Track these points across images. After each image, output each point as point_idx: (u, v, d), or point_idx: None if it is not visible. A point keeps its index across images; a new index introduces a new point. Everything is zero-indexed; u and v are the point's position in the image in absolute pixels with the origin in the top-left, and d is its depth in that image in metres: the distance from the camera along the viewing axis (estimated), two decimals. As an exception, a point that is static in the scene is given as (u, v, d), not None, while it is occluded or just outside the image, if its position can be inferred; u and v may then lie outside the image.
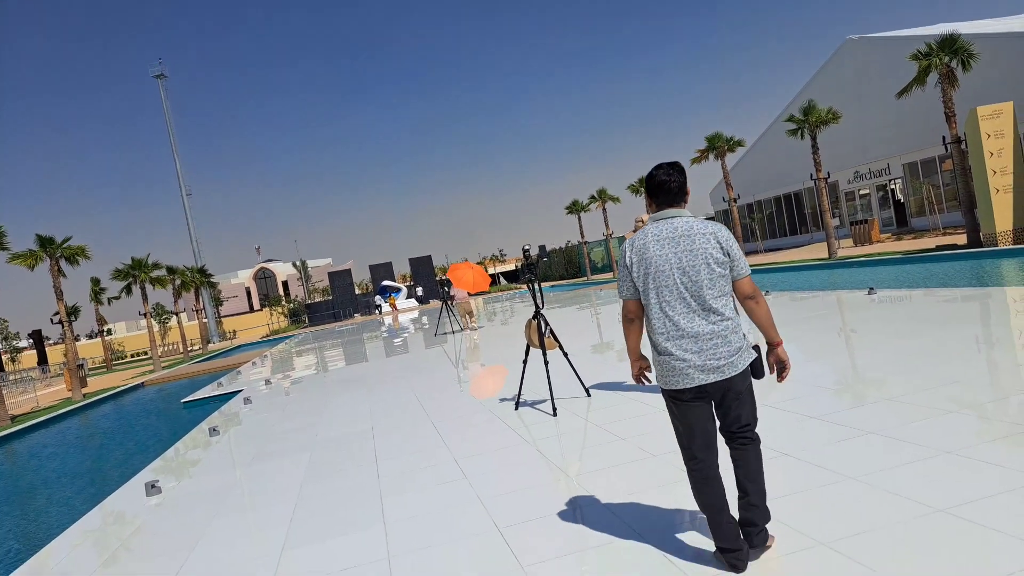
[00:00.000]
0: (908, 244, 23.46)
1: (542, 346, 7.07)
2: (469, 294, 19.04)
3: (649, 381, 3.54)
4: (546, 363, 6.95)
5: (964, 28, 19.84)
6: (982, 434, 4.28)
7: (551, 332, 7.24)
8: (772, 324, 3.12)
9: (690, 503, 4.01)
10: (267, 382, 15.18)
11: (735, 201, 28.95)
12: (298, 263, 79.17)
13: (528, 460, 5.44)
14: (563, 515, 4.16)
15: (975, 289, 11.73)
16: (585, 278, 45.01)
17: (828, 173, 24.55)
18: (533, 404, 7.39)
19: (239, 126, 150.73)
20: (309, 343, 29.03)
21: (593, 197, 40.30)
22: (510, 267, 74.07)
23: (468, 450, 6.08)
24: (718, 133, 28.60)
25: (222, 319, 64.57)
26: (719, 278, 3.03)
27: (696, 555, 3.34)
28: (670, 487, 4.31)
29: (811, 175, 24.52)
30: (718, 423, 3.19)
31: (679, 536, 3.57)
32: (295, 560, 4.24)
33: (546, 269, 57.85)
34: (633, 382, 5.44)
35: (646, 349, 3.30)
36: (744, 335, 3.07)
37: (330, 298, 54.34)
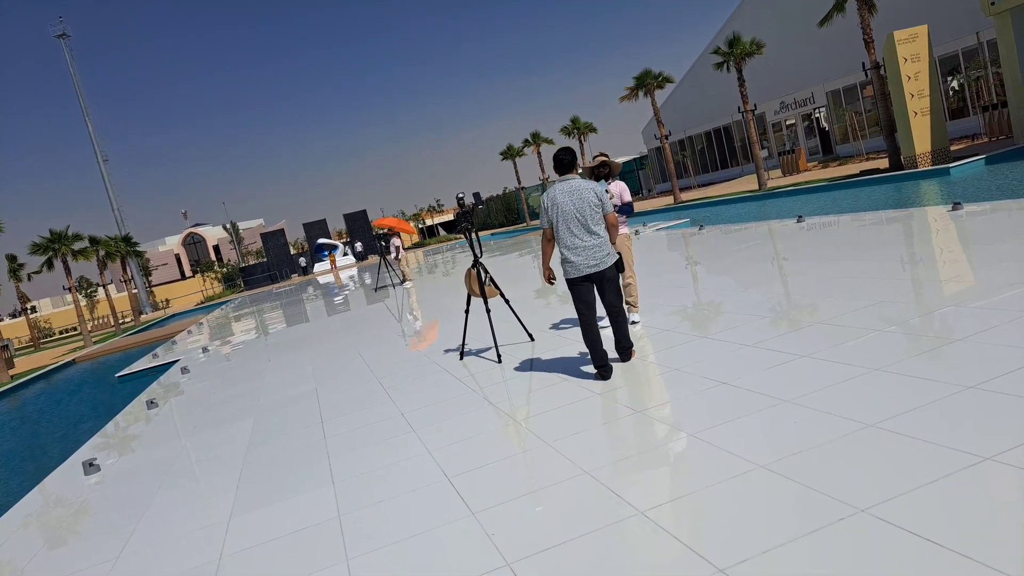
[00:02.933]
0: (834, 171, 24.18)
1: (483, 295, 7.02)
2: (398, 250, 18.81)
3: (555, 282, 5.63)
4: (488, 311, 6.91)
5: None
6: (909, 350, 4.48)
7: (491, 280, 7.18)
8: (618, 239, 5.50)
9: (634, 436, 4.10)
10: (205, 350, 14.76)
11: (667, 138, 29.15)
12: (228, 226, 76.49)
13: (476, 408, 5.45)
14: (512, 460, 4.19)
15: (898, 211, 12.21)
16: (524, 224, 45.03)
17: (755, 105, 24.91)
18: (478, 353, 7.38)
19: (154, 86, 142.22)
20: (246, 307, 28.29)
21: (527, 141, 40.01)
22: (447, 217, 73.27)
23: (415, 403, 6.05)
24: (647, 70, 28.51)
25: (153, 289, 62.09)
26: (596, 213, 5.17)
27: (642, 488, 3.41)
28: (613, 424, 4.39)
29: (739, 107, 24.81)
30: (599, 300, 5.32)
31: (622, 467, 3.64)
32: (244, 526, 4.16)
33: (484, 217, 57.46)
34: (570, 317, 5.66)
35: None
36: (611, 246, 5.25)
37: (265, 260, 52.87)
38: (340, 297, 22.48)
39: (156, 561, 4.02)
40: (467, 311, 7.36)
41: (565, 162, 5.33)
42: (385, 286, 19.69)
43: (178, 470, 5.90)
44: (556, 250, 5.38)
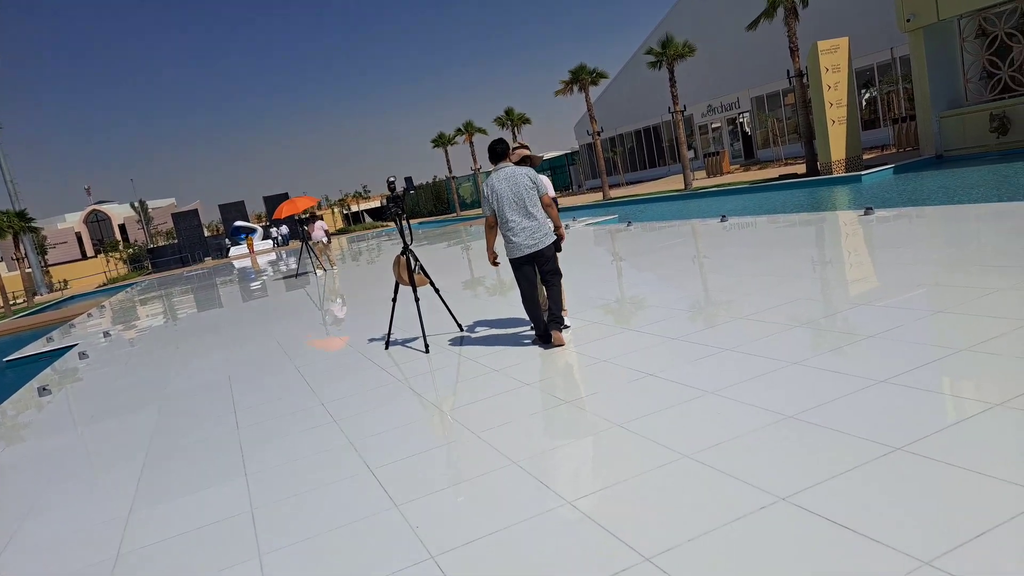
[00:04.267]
0: (755, 174, 25.06)
1: (412, 283, 6.86)
2: (326, 234, 18.31)
3: (499, 264, 6.04)
4: (416, 300, 6.76)
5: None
6: (823, 346, 4.62)
7: (421, 268, 7.03)
8: (559, 220, 5.80)
9: (562, 426, 4.07)
10: (106, 334, 13.91)
11: (599, 134, 29.51)
12: (136, 204, 72.55)
13: (401, 399, 5.30)
14: (438, 451, 4.08)
15: (814, 214, 12.72)
16: (454, 214, 44.73)
17: (684, 106, 25.49)
18: (405, 342, 7.21)
19: (57, 49, 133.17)
20: (154, 290, 26.94)
21: (460, 130, 39.66)
22: (375, 204, 71.93)
23: (336, 393, 5.84)
24: (582, 65, 28.73)
25: (49, 268, 58.20)
26: (532, 195, 5.61)
27: (569, 478, 3.37)
28: (542, 414, 4.34)
29: (669, 108, 25.35)
30: (538, 276, 5.78)
31: (550, 457, 3.60)
32: (145, 521, 3.89)
33: (413, 205, 56.76)
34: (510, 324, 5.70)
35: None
36: (549, 228, 5.69)
37: (176, 241, 50.46)
38: (258, 283, 21.68)
39: (42, 560, 3.71)
40: (394, 299, 7.18)
41: (499, 151, 5.77)
42: (307, 272, 19.10)
43: (72, 462, 5.50)
44: (499, 236, 5.85)
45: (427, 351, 6.58)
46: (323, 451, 4.44)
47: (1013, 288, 5.00)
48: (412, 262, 6.91)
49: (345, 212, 71.53)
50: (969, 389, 3.55)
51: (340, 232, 60.36)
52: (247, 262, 36.59)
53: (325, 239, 18.34)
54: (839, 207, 13.99)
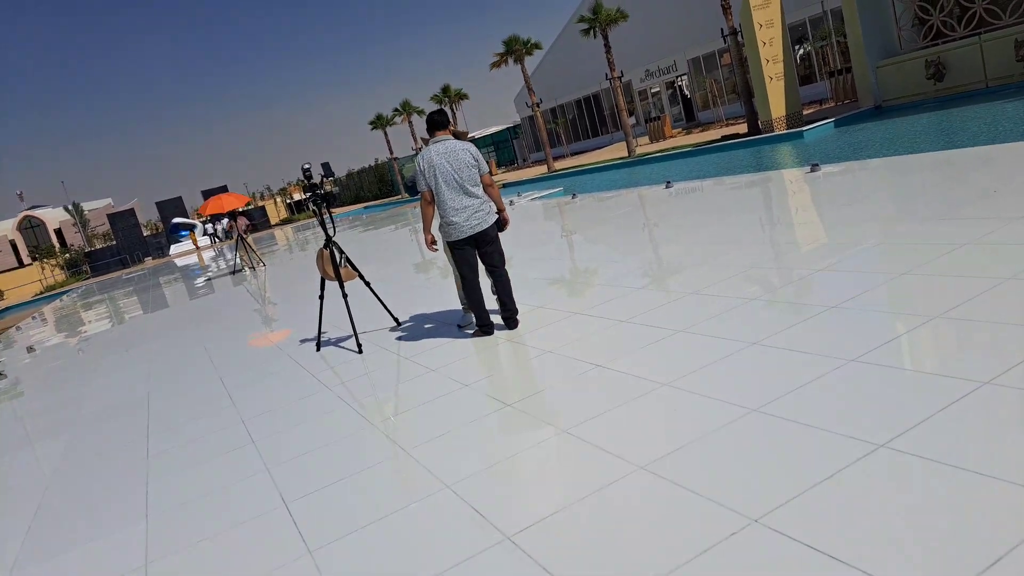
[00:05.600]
0: (697, 137, 24.89)
1: (338, 277, 6.28)
2: (247, 226, 17.45)
3: (436, 248, 5.37)
4: (344, 296, 6.19)
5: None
6: (784, 321, 4.26)
7: (347, 260, 6.45)
8: (500, 200, 5.31)
9: (501, 437, 3.62)
10: (30, 349, 12.92)
11: (538, 106, 28.90)
12: (71, 207, 69.26)
13: (329, 409, 4.77)
14: (366, 475, 3.58)
15: (760, 174, 12.49)
16: (400, 196, 43.71)
17: (622, 72, 25.06)
18: (338, 342, 6.65)
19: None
20: (92, 296, 25.53)
21: (397, 110, 38.59)
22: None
23: (259, 406, 5.27)
24: (515, 36, 27.97)
25: (-17, 280, 55.19)
26: (472, 172, 5.12)
27: (509, 505, 2.92)
28: (480, 422, 3.87)
29: (607, 75, 24.91)
30: (481, 264, 5.34)
31: (487, 478, 3.14)
32: (23, 591, 3.31)
33: (357, 189, 55.34)
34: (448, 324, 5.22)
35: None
36: (490, 207, 5.21)
37: (114, 243, 48.31)
38: (194, 282, 20.64)
39: None
40: (322, 296, 6.59)
41: (439, 121, 5.26)
42: (241, 269, 18.18)
43: (-40, 511, 4.82)
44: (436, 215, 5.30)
45: (360, 351, 6.04)
46: (237, 482, 3.89)
47: (976, 242, 4.71)
48: (337, 255, 6.33)
49: (288, 201, 69.51)
50: (954, 364, 3.21)
51: (285, 222, 58.62)
52: (188, 260, 35.12)
53: (247, 233, 17.55)
54: (784, 165, 13.81)
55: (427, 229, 5.31)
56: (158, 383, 7.07)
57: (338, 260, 6.35)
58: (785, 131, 17.78)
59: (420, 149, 33.73)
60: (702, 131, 27.06)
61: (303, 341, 7.11)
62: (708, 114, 30.14)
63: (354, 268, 6.52)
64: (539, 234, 11.73)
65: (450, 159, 5.07)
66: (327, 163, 6.53)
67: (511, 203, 17.97)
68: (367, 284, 6.63)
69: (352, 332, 6.19)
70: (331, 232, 6.22)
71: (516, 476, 3.18)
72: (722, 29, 20.11)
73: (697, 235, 7.70)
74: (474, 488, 3.10)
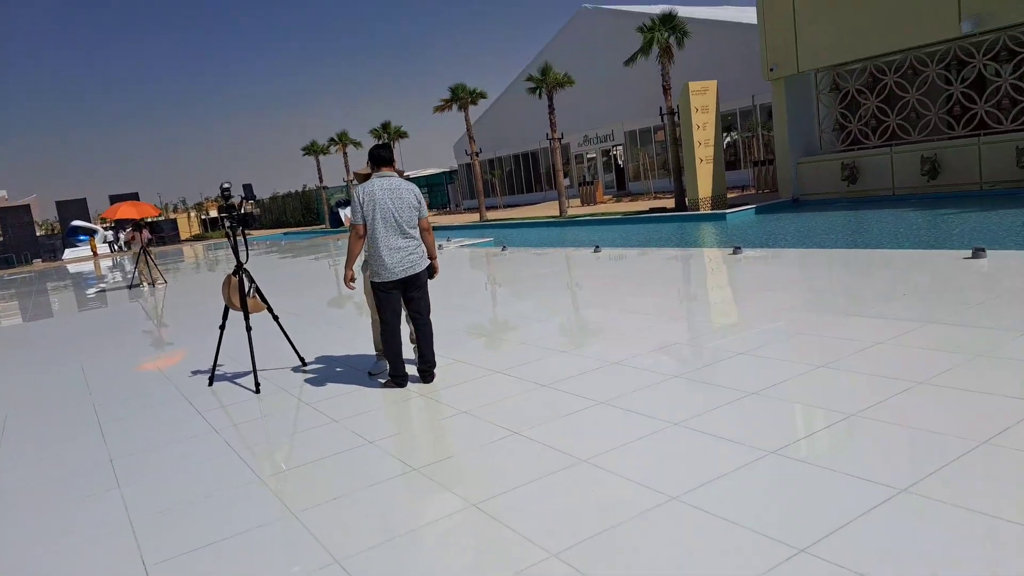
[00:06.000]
0: (627, 206, 25.57)
1: (244, 308, 5.83)
2: (149, 239, 16.52)
3: (354, 287, 5.15)
4: (248, 329, 5.73)
5: (681, 11, 21.72)
6: (705, 401, 4.15)
7: (256, 290, 6.01)
8: (434, 247, 5.15)
9: (404, 506, 3.29)
10: None
11: (476, 155, 29.10)
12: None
13: (212, 456, 4.29)
14: (242, 541, 3.15)
15: (683, 250, 12.78)
16: (324, 226, 42.76)
17: (562, 135, 25.63)
18: (234, 378, 6.14)
19: None
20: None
21: (333, 140, 38.06)
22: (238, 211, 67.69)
23: (134, 445, 4.72)
24: (461, 84, 28.26)
25: None
26: (412, 215, 4.93)
27: (404, 589, 2.59)
28: (381, 487, 3.53)
29: (547, 135, 25.42)
30: (404, 311, 5.15)
31: (381, 555, 2.80)
32: None
33: (280, 213, 53.87)
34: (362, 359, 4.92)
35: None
36: (423, 251, 5.01)
37: (1, 239, 44.87)
38: (84, 292, 19.20)
39: None
40: (222, 327, 6.09)
41: (384, 158, 5.03)
42: (139, 284, 17.04)
43: None
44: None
45: (257, 391, 5.57)
46: (89, 540, 3.38)
47: (889, 341, 4.80)
48: (247, 284, 5.89)
49: (203, 217, 66.86)
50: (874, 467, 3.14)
51: (196, 238, 56.21)
52: (83, 267, 32.88)
53: (146, 245, 16.57)
54: (708, 244, 14.22)
55: (351, 264, 5.02)
56: (18, 409, 6.28)
57: (247, 289, 5.91)
58: (710, 211, 18.45)
59: (352, 182, 33.07)
60: (632, 200, 27.84)
61: (195, 372, 6.54)
62: (638, 185, 31.11)
63: (263, 299, 6.08)
64: (465, 282, 11.51)
65: (393, 197, 4.85)
66: (249, 185, 6.15)
67: (440, 247, 17.75)
68: (275, 318, 6.19)
69: (252, 369, 5.71)
70: (243, 258, 5.80)
71: (417, 553, 2.86)
72: (661, 108, 20.91)
73: (624, 303, 7.67)
74: (368, 566, 2.75)
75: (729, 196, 20.64)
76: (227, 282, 5.93)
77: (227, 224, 5.81)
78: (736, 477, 3.10)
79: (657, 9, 22.21)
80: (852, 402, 3.79)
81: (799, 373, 4.44)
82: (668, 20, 19.69)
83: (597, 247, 12.47)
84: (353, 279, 5.06)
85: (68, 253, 43.02)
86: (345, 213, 44.16)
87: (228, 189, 5.78)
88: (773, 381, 4.30)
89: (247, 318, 5.80)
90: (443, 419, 4.50)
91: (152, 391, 6.18)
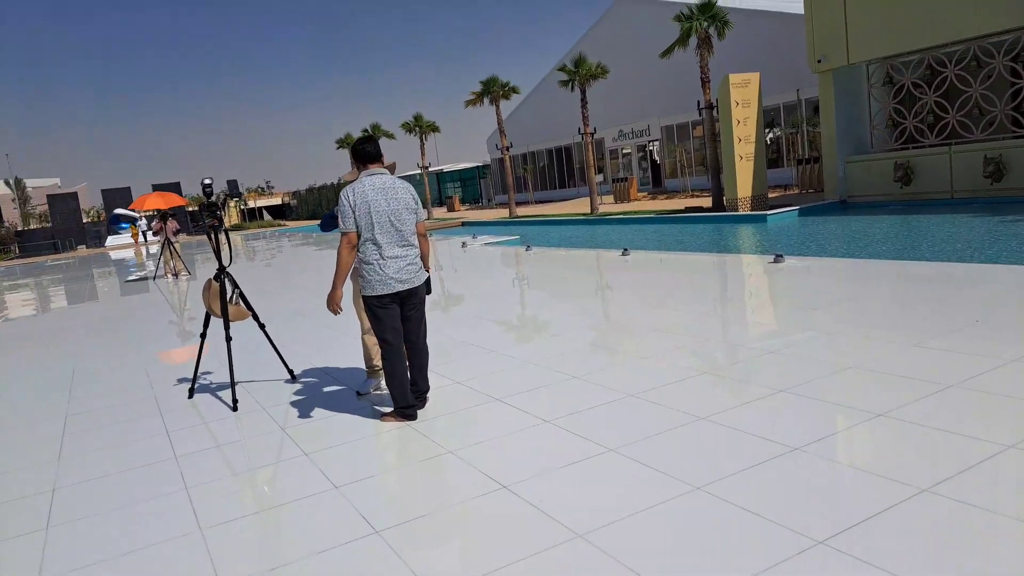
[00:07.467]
0: (661, 204, 24.65)
1: (224, 316, 5.30)
2: (176, 230, 16.25)
3: (341, 311, 4.38)
4: (228, 339, 5.19)
5: (720, 0, 20.73)
6: (735, 397, 3.45)
7: (240, 296, 5.48)
8: (429, 256, 4.53)
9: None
10: None
11: (508, 149, 28.45)
12: (11, 180, 66.05)
13: (172, 491, 3.74)
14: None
15: (720, 256, 11.97)
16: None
17: (595, 129, 24.81)
18: (215, 390, 5.63)
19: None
20: (1, 279, 23.59)
21: (366, 131, 37.77)
22: (276, 201, 68.65)
23: (90, 468, 4.21)
24: (494, 77, 27.60)
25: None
26: (410, 218, 4.30)
27: None
28: (341, 550, 2.92)
29: (579, 129, 24.64)
30: (403, 333, 4.38)
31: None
32: None
33: (316, 205, 53.99)
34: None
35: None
36: (421, 264, 4.38)
37: (50, 225, 45.89)
38: (111, 282, 19.12)
39: None
40: (203, 335, 5.58)
41: (371, 153, 4.35)
42: (164, 276, 16.79)
43: None
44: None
45: (235, 409, 5.03)
46: (-11, 599, 2.85)
47: (959, 385, 4.03)
48: (229, 289, 5.36)
49: (243, 208, 67.77)
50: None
51: (235, 228, 56.84)
52: (125, 254, 33.24)
53: (176, 238, 16.31)
54: (746, 250, 13.31)
55: (341, 282, 4.28)
56: (-5, 410, 5.88)
57: (229, 295, 5.37)
58: (749, 211, 17.50)
59: (341, 185, 32.93)
60: (667, 198, 26.90)
61: (180, 380, 6.05)
62: (675, 182, 30.13)
63: (248, 306, 5.55)
64: (482, 288, 10.89)
65: (388, 197, 4.21)
66: (234, 180, 5.73)
67: (464, 245, 17.17)
68: (261, 326, 5.65)
69: (230, 383, 5.17)
70: (226, 261, 5.26)
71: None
72: (699, 102, 19.99)
73: (646, 320, 6.96)
74: None
75: (770, 196, 19.65)
76: (208, 287, 5.40)
77: (206, 224, 5.27)
78: (757, 471, 2.41)
79: (696, -1, 21.25)
80: (924, 474, 3.06)
81: (849, 426, 3.71)
82: (707, 8, 18.73)
83: (625, 250, 11.72)
84: (340, 301, 4.33)
85: (110, 240, 43.73)
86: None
87: (210, 185, 5.24)
88: (816, 436, 3.58)
89: (227, 327, 5.26)
90: (425, 460, 3.87)
91: (130, 400, 5.69)
